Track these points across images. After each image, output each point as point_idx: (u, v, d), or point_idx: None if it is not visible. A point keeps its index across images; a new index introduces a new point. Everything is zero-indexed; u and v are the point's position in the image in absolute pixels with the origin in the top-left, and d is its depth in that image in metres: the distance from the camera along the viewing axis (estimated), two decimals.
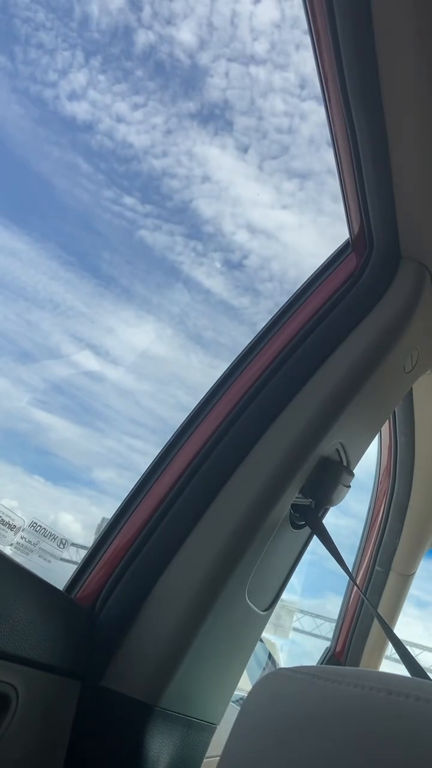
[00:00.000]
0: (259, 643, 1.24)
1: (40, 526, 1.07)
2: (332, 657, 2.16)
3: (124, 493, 1.10)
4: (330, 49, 0.89)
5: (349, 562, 2.18)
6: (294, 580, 1.22)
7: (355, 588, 2.14)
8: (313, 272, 1.20)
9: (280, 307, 1.19)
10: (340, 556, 1.13)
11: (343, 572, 1.14)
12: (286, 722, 0.61)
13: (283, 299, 1.22)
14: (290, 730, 0.59)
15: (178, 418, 1.15)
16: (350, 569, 2.19)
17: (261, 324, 1.20)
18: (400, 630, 2.35)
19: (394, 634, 1.16)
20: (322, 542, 1.13)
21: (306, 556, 1.23)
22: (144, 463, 1.12)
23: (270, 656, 2.35)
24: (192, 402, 1.16)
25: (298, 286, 1.21)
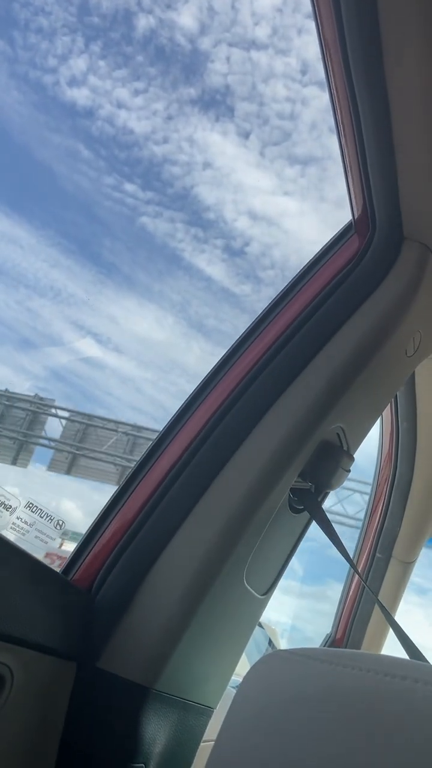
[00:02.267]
0: (259, 628, 1.24)
1: (36, 507, 1.07)
2: (332, 644, 2.16)
3: None
4: (333, 29, 0.88)
5: (350, 549, 2.18)
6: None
7: (354, 576, 2.14)
8: (315, 254, 1.19)
9: (281, 289, 1.17)
10: (340, 541, 1.12)
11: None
12: (283, 703, 0.60)
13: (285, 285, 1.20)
14: (287, 711, 0.59)
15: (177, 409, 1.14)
16: (351, 556, 2.19)
17: None
18: (401, 617, 2.35)
19: (393, 618, 1.15)
20: (320, 527, 1.13)
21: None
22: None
23: (270, 642, 2.36)
24: (191, 389, 1.15)
25: (301, 268, 1.19)
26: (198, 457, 1.03)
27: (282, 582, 1.20)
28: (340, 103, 0.99)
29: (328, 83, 1.00)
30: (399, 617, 2.31)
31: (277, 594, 1.19)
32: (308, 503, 1.13)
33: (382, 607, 1.25)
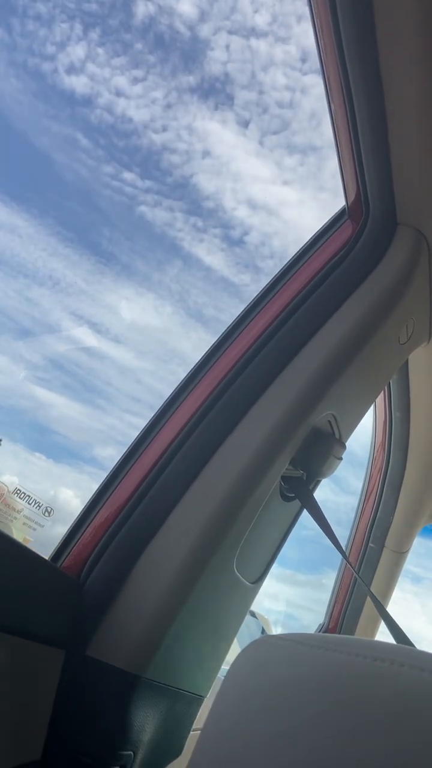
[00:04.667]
0: (252, 618, 1.23)
1: (24, 494, 1.06)
2: (326, 632, 2.16)
3: None
4: (327, 14, 0.87)
5: (343, 538, 2.18)
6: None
7: (347, 565, 2.14)
8: (308, 240, 1.18)
9: (274, 275, 1.16)
10: (331, 530, 1.11)
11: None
12: (271, 688, 0.60)
13: None
14: (275, 697, 0.58)
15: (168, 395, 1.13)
16: (343, 546, 2.19)
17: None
18: (397, 606, 2.36)
19: (383, 606, 1.15)
20: (311, 515, 1.12)
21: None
22: None
23: (263, 631, 2.36)
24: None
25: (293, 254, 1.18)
26: (188, 443, 1.02)
27: (275, 570, 1.19)
28: (333, 88, 0.98)
29: (321, 68, 0.99)
30: (394, 606, 2.31)
31: (271, 582, 1.18)
32: (299, 491, 1.12)
33: (372, 596, 1.25)
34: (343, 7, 0.84)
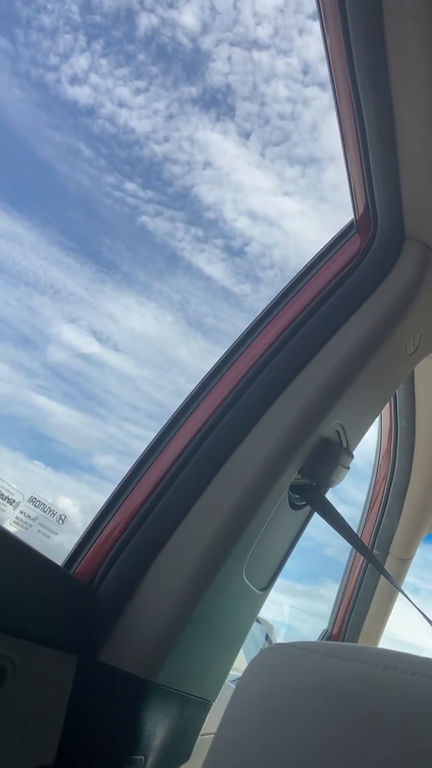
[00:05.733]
0: (256, 623, 1.24)
1: (40, 502, 1.08)
2: (329, 639, 2.17)
3: None
4: (338, 28, 0.88)
5: (347, 546, 2.19)
6: None
7: (352, 571, 2.15)
8: (317, 252, 1.19)
9: (283, 287, 1.18)
10: (349, 528, 1.12)
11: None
12: (282, 696, 0.61)
13: (284, 286, 1.20)
14: (287, 705, 0.60)
15: (179, 405, 1.14)
16: (349, 552, 2.20)
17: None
18: (398, 615, 2.36)
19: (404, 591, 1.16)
20: (325, 519, 1.13)
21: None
22: (143, 450, 1.12)
23: (267, 637, 2.37)
24: (192, 388, 1.15)
25: (302, 267, 1.20)
26: (199, 452, 1.04)
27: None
28: (343, 104, 1.00)
29: (331, 83, 1.00)
30: (396, 615, 2.32)
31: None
32: (310, 498, 1.14)
33: (400, 589, 1.26)
34: (353, 19, 0.85)
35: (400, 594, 2.30)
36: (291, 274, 1.20)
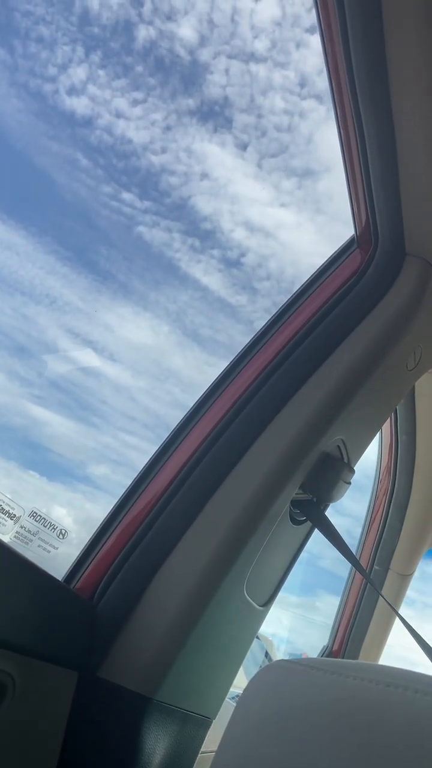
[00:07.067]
0: (256, 639, 1.24)
1: (40, 516, 1.08)
2: (329, 655, 2.16)
3: (118, 490, 1.09)
4: (338, 44, 0.89)
5: (346, 562, 2.18)
6: None
7: (352, 587, 2.14)
8: (317, 268, 1.20)
9: (284, 302, 1.19)
10: (347, 547, 1.12)
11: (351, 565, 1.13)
12: (285, 713, 0.61)
13: (281, 297, 1.21)
14: (289, 721, 0.59)
15: (174, 415, 1.15)
16: (349, 569, 2.19)
17: (258, 322, 1.20)
18: (398, 629, 2.35)
19: (413, 629, 1.15)
20: (325, 535, 1.13)
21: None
22: (139, 459, 1.12)
23: (267, 653, 2.35)
24: (187, 398, 1.16)
25: (302, 282, 1.20)
26: (200, 468, 1.04)
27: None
28: (345, 120, 1.01)
29: (332, 99, 1.01)
30: (396, 629, 2.31)
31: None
32: (311, 513, 1.14)
33: (403, 621, 1.25)
34: (354, 34, 0.85)
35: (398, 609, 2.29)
36: (287, 285, 1.21)
